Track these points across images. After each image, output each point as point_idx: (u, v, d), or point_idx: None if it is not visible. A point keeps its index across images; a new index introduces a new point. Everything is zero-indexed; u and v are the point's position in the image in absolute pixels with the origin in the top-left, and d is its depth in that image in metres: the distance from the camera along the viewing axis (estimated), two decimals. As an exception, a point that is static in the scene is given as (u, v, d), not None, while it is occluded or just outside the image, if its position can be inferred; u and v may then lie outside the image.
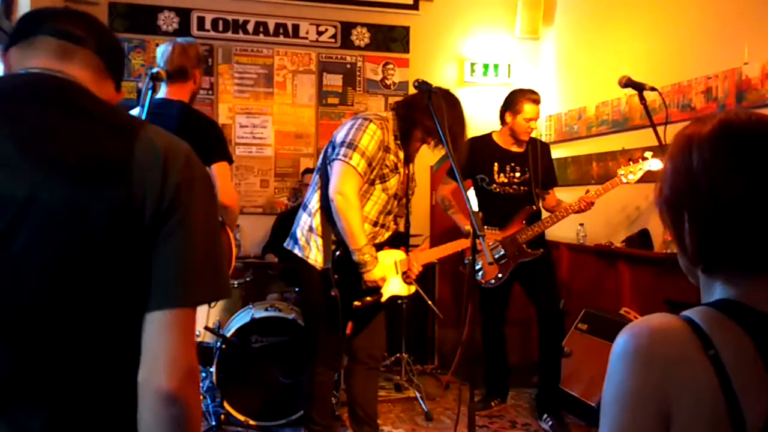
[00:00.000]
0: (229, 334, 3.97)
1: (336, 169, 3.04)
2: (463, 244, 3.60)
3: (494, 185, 4.22)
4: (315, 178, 3.29)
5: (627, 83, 2.91)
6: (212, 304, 4.09)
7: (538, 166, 4.22)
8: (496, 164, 4.22)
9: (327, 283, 3.12)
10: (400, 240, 3.38)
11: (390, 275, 3.24)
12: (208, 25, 5.37)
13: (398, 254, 3.32)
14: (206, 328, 4.13)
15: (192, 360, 1.09)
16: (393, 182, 3.19)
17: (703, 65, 3.92)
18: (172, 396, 1.04)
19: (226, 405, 3.90)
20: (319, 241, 3.17)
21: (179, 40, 3.26)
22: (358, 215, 3.04)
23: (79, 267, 1.03)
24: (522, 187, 4.22)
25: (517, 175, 4.22)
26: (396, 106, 3.34)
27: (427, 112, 2.99)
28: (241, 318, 4.10)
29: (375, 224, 3.22)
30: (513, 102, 4.16)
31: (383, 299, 3.23)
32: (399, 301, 4.65)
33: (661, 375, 0.91)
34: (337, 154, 3.06)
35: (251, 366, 3.95)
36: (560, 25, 5.78)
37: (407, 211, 3.43)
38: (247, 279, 4.55)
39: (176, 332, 1.07)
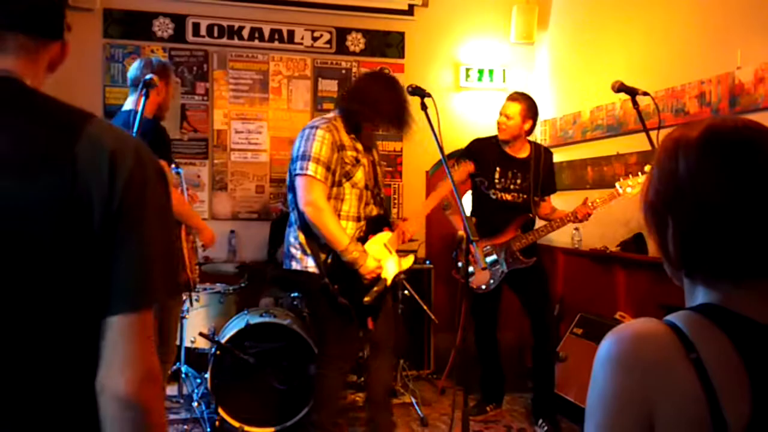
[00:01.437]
0: (223, 340, 3.96)
1: (299, 184, 3.21)
2: (444, 189, 3.69)
3: (493, 190, 4.21)
4: (289, 196, 3.39)
5: (620, 88, 2.92)
6: (196, 298, 4.09)
7: (539, 174, 4.21)
8: (498, 169, 4.21)
9: (330, 295, 3.22)
10: (380, 223, 3.46)
11: (385, 258, 3.36)
12: (203, 31, 5.37)
13: (384, 236, 3.44)
14: (201, 334, 4.13)
15: (151, 363, 1.07)
16: (359, 175, 3.32)
17: (697, 70, 3.93)
18: (131, 400, 1.03)
19: (220, 411, 3.88)
20: (308, 250, 3.29)
21: (151, 58, 3.50)
22: (332, 219, 3.19)
23: (26, 271, 1.01)
24: (521, 195, 4.21)
25: (518, 182, 4.20)
26: (337, 102, 3.54)
27: (366, 101, 3.25)
28: (236, 324, 4.09)
29: (358, 219, 3.35)
30: None
31: (389, 283, 3.38)
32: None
33: (643, 379, 0.92)
34: (295, 169, 3.24)
35: (246, 372, 3.94)
36: (555, 30, 5.80)
37: (381, 198, 3.52)
38: (242, 285, 4.54)
39: (133, 336, 1.05)
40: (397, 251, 3.52)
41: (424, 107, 2.94)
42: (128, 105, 3.26)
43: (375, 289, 3.29)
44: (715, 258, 0.97)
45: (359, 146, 3.35)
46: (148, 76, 2.99)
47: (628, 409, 0.93)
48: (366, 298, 3.27)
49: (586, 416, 0.98)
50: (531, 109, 4.18)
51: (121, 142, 1.07)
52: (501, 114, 4.20)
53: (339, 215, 3.28)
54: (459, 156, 4.36)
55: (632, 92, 2.88)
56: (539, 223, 4.24)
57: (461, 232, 2.63)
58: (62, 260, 1.01)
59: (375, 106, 3.26)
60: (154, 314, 1.11)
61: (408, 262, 3.56)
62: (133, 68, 3.32)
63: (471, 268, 4.07)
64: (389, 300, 3.55)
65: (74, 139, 1.03)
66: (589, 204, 3.93)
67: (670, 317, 0.97)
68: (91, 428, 1.04)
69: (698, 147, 0.99)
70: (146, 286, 1.07)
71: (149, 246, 1.08)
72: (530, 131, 4.25)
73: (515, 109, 4.14)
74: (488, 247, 4.12)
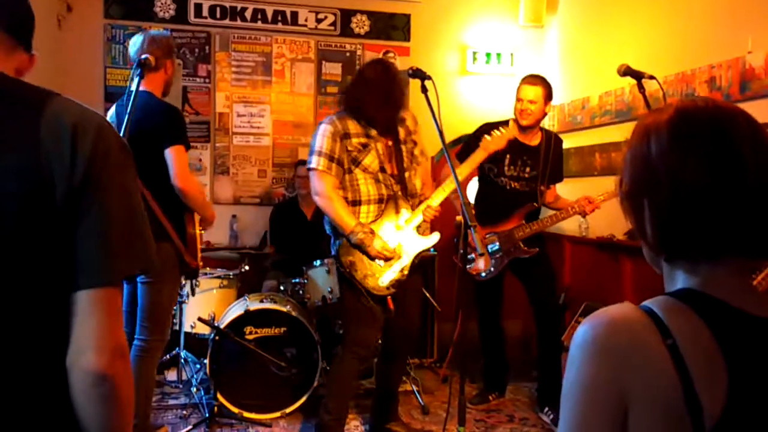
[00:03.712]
0: (223, 326, 3.92)
1: (310, 178, 3.43)
2: (449, 185, 3.47)
3: (502, 177, 4.13)
4: None
5: (626, 71, 2.84)
6: (195, 283, 4.04)
7: (548, 162, 4.13)
8: (508, 156, 4.10)
9: (347, 279, 3.35)
10: (398, 202, 3.44)
11: (401, 237, 3.38)
12: (205, 12, 5.29)
13: (399, 215, 3.42)
14: (200, 319, 4.09)
15: (120, 338, 1.08)
16: (369, 160, 3.38)
17: (707, 54, 3.84)
18: (101, 375, 1.04)
19: (219, 397, 3.86)
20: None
21: (151, 32, 3.34)
22: (339, 205, 3.30)
23: None
24: (529, 184, 4.14)
25: (527, 170, 4.12)
26: (338, 96, 3.67)
27: (362, 91, 3.35)
28: (236, 309, 4.06)
29: (380, 201, 3.39)
30: (517, 88, 4.15)
31: (408, 263, 3.38)
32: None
33: (617, 364, 0.91)
34: (306, 164, 3.44)
35: (245, 358, 3.90)
36: (564, 13, 5.69)
37: (402, 177, 3.46)
38: (243, 270, 4.50)
39: (101, 311, 1.06)
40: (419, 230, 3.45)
41: (424, 90, 2.87)
42: (132, 84, 3.14)
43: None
44: (692, 238, 0.96)
45: (372, 132, 3.39)
46: (143, 56, 2.93)
47: (602, 393, 0.92)
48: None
49: (561, 401, 0.96)
50: (551, 91, 4.11)
51: (82, 118, 1.08)
52: (523, 100, 4.05)
53: (360, 201, 3.36)
54: (467, 145, 4.24)
55: (638, 76, 2.80)
56: (544, 213, 4.16)
57: (459, 218, 2.57)
58: (28, 237, 1.02)
59: (365, 95, 3.35)
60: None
61: (431, 240, 3.45)
62: (134, 45, 3.21)
63: (471, 255, 4.02)
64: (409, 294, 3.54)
65: (37, 116, 1.04)
66: (598, 198, 3.90)
67: (647, 302, 0.96)
68: (63, 404, 1.05)
69: (668, 129, 0.98)
70: (111, 260, 1.07)
71: (113, 220, 1.08)
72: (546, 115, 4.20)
73: (538, 92, 4.04)
74: (491, 234, 4.05)
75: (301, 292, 4.44)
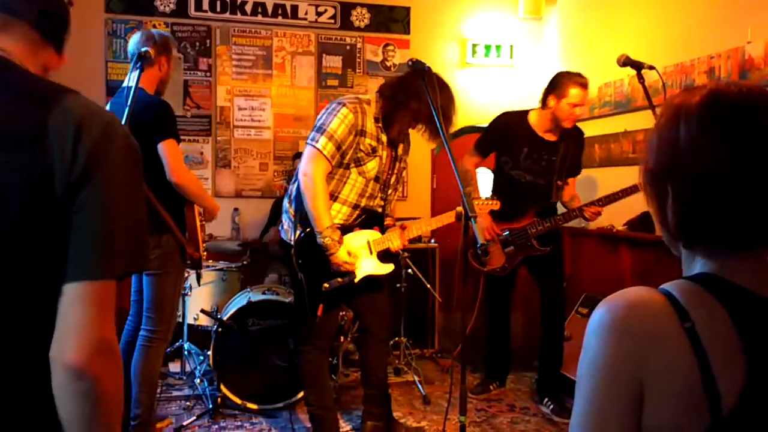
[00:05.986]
0: (226, 318, 3.94)
1: (305, 153, 3.13)
2: (449, 217, 3.42)
3: (517, 170, 4.07)
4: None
5: (625, 62, 2.85)
6: (199, 274, 4.03)
7: (566, 158, 4.02)
8: (525, 149, 4.02)
9: (292, 267, 3.19)
10: (373, 220, 3.33)
11: (362, 255, 3.24)
12: (205, 6, 5.31)
13: (371, 234, 3.30)
14: (203, 311, 4.12)
15: (105, 333, 1.04)
16: (371, 166, 3.20)
17: (707, 45, 3.85)
18: (80, 370, 1.00)
19: (222, 388, 3.88)
20: (294, 222, 3.22)
21: (151, 30, 3.36)
22: (322, 197, 3.06)
23: None
24: (545, 177, 4.04)
25: (543, 164, 4.03)
26: (381, 88, 3.28)
27: (415, 95, 3.02)
28: (239, 301, 4.08)
29: (355, 207, 3.24)
30: (558, 84, 3.89)
31: (356, 280, 3.21)
32: (398, 285, 4.65)
33: (635, 347, 0.90)
34: (308, 139, 3.14)
35: (248, 349, 3.93)
36: (563, 5, 5.69)
37: (386, 194, 3.36)
38: (245, 263, 4.52)
39: (87, 305, 1.03)
40: (381, 254, 3.29)
41: (423, 81, 2.86)
42: (127, 81, 3.19)
43: (338, 279, 3.16)
44: (715, 228, 0.95)
45: (383, 137, 3.22)
46: (143, 49, 2.94)
47: (619, 377, 0.91)
48: (324, 285, 3.14)
49: (577, 383, 0.95)
50: None
51: (90, 114, 1.08)
52: (578, 105, 3.85)
53: (336, 197, 3.19)
54: (486, 134, 4.21)
55: (638, 66, 2.82)
56: (560, 209, 4.13)
57: (459, 208, 2.53)
58: (30, 231, 1.02)
59: (419, 104, 3.04)
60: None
61: (386, 269, 3.32)
62: (134, 41, 3.23)
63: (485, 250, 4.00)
64: (384, 298, 3.46)
65: (47, 113, 1.04)
66: (598, 204, 3.84)
67: (665, 286, 0.95)
68: (47, 397, 1.03)
69: (700, 114, 0.95)
70: (103, 255, 1.05)
71: (110, 216, 1.06)
72: None
73: (586, 94, 3.91)
74: (506, 232, 4.04)
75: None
